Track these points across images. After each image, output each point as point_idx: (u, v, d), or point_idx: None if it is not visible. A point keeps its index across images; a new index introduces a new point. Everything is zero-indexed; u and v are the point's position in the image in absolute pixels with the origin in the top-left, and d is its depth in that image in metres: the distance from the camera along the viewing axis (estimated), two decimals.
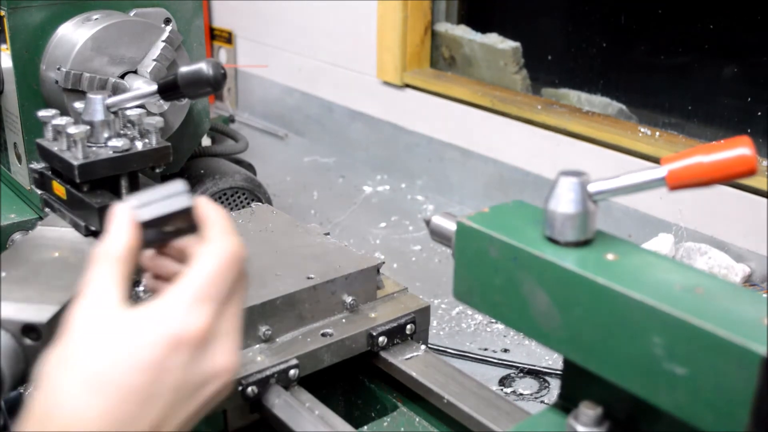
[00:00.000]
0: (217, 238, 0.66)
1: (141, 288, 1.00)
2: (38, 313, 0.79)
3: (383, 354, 1.07)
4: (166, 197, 0.67)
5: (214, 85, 0.92)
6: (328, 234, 1.23)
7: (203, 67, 0.91)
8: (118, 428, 0.60)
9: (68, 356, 0.62)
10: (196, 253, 0.66)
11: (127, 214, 0.66)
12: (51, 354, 0.64)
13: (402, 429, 1.06)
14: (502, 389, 1.54)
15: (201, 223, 0.69)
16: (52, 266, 0.89)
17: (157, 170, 1.00)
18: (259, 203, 1.55)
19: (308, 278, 1.07)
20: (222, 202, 1.68)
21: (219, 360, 0.65)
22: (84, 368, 0.61)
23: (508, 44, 2.35)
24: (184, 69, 0.91)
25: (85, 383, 0.61)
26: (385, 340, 1.07)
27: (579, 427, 0.68)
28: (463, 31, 2.46)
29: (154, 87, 0.94)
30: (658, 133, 1.98)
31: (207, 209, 0.69)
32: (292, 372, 0.99)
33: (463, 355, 1.62)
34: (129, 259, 0.65)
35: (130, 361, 0.61)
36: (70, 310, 0.65)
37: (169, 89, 0.93)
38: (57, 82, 1.31)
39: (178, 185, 0.68)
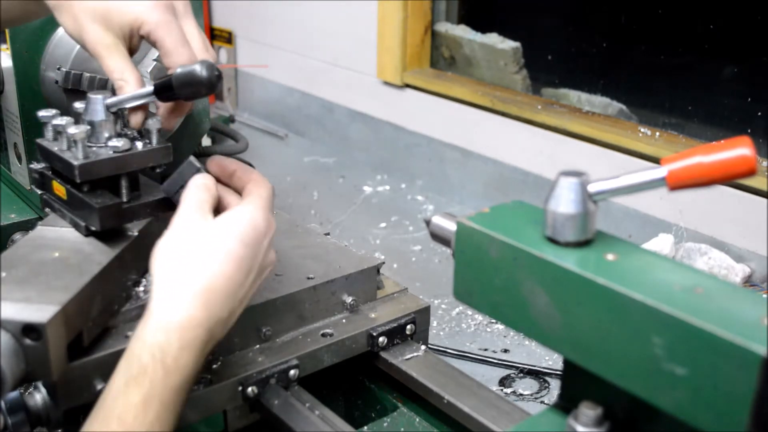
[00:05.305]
0: (262, 178, 0.93)
1: (141, 288, 1.00)
2: (38, 313, 0.79)
3: (383, 354, 1.07)
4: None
5: (209, 86, 0.91)
6: (328, 234, 1.23)
7: (197, 68, 0.90)
8: (234, 292, 0.82)
9: (193, 238, 0.83)
10: (254, 184, 0.91)
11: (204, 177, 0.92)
12: (168, 247, 0.84)
13: (402, 429, 1.06)
14: (502, 389, 1.54)
15: (235, 172, 0.93)
16: (52, 266, 0.89)
17: (157, 170, 0.99)
18: None
19: (308, 278, 1.07)
20: None
21: (273, 254, 0.90)
22: (211, 241, 0.82)
23: (508, 44, 2.35)
24: (178, 70, 0.91)
25: (219, 251, 0.82)
26: (385, 340, 1.07)
27: (579, 428, 0.68)
28: (463, 31, 2.46)
29: (151, 88, 0.94)
30: (658, 133, 1.97)
31: (235, 164, 0.95)
32: (292, 372, 0.99)
33: (463, 356, 1.62)
34: (213, 188, 0.91)
35: (240, 237, 0.83)
36: (177, 216, 0.86)
37: (165, 90, 0.93)
38: (57, 82, 1.30)
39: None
